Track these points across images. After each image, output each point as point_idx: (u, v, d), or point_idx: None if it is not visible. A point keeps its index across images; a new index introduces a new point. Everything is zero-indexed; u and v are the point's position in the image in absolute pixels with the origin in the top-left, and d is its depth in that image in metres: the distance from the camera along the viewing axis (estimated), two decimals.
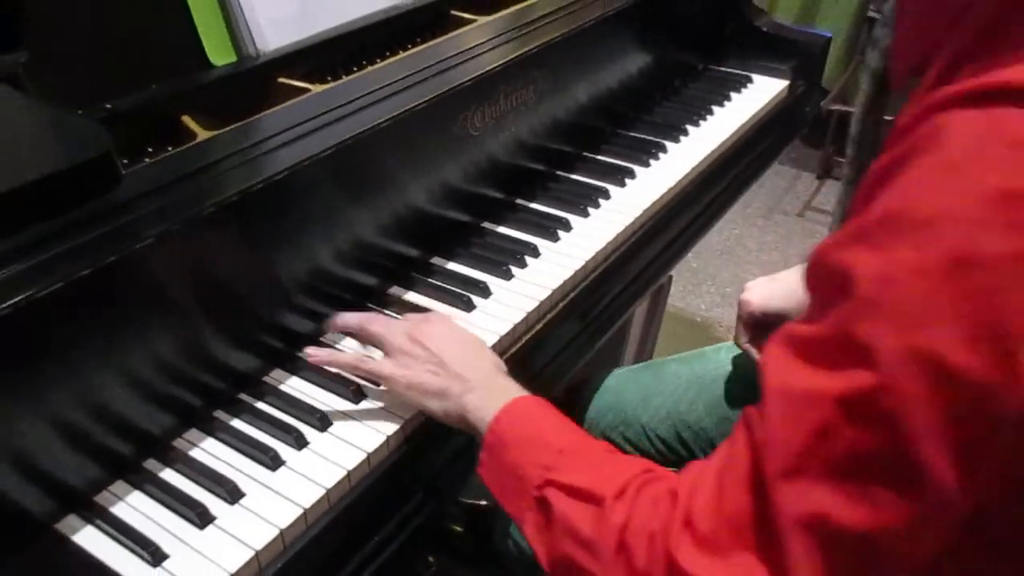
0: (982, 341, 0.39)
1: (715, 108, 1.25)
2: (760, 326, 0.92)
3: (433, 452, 0.73)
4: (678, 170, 1.09)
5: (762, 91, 1.32)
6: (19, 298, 0.54)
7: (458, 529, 1.40)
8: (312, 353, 0.72)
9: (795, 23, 2.32)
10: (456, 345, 0.71)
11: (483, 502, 1.20)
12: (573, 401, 1.08)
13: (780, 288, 0.91)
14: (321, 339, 0.79)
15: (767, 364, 0.48)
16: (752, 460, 0.47)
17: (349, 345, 0.78)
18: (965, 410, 0.40)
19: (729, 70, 1.37)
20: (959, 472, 0.41)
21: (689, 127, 1.19)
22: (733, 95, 1.29)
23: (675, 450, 1.00)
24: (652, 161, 1.11)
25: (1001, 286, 0.38)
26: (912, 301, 0.40)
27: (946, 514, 0.43)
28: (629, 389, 1.05)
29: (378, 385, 0.72)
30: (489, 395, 0.65)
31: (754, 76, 1.35)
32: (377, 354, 0.73)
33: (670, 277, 1.82)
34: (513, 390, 0.66)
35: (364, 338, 0.76)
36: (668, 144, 1.14)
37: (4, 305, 0.53)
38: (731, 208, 1.24)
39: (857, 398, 0.42)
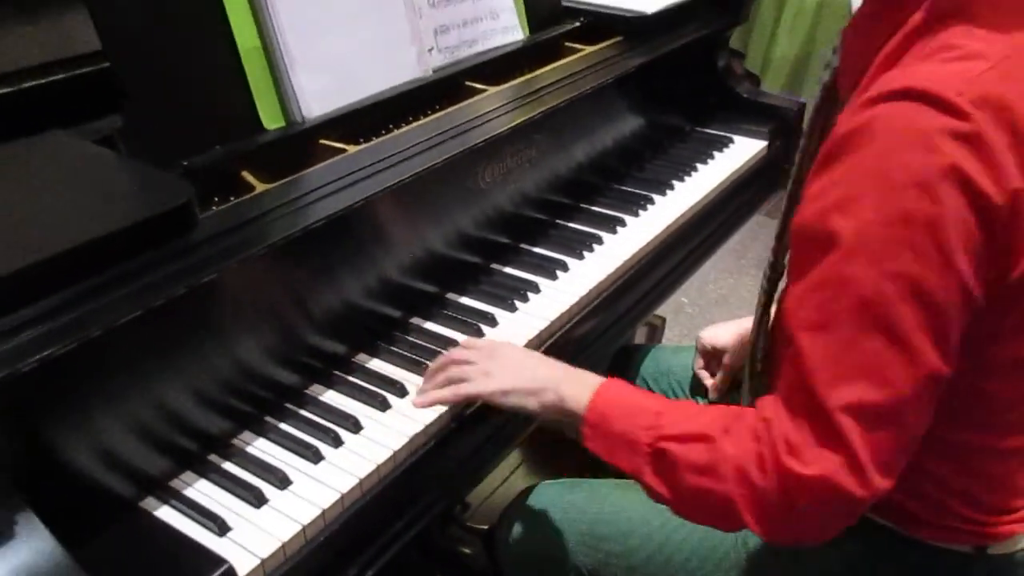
0: (929, 258, 0.59)
1: (699, 165, 1.40)
2: (710, 356, 1.12)
3: (447, 452, 0.86)
4: (664, 220, 1.24)
5: (742, 150, 1.47)
6: (126, 319, 0.68)
7: (467, 551, 1.52)
8: (418, 402, 0.85)
9: (783, 90, 2.49)
10: (523, 354, 0.88)
11: (486, 527, 1.32)
12: None
13: (727, 330, 1.11)
14: (353, 360, 0.93)
15: (788, 314, 0.67)
16: (803, 383, 0.64)
17: (380, 367, 0.92)
18: (929, 305, 0.60)
19: (713, 131, 1.53)
20: (939, 351, 0.61)
21: (675, 182, 1.34)
22: (716, 154, 1.45)
23: None
24: (641, 212, 1.25)
25: (931, 224, 0.59)
26: (880, 243, 0.60)
27: (935, 379, 0.63)
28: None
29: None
30: (578, 384, 0.80)
31: (735, 137, 1.50)
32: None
33: (663, 321, 1.95)
34: (591, 377, 0.81)
35: (457, 399, 0.85)
36: (656, 197, 1.29)
37: (115, 325, 0.67)
38: (723, 255, 1.38)
39: (859, 309, 0.61)
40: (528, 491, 1.07)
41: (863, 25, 0.72)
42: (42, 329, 0.65)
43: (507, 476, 1.49)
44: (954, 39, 0.63)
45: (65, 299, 0.68)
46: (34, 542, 0.61)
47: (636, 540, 0.94)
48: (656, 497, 0.74)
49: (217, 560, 0.67)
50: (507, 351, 0.88)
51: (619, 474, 0.78)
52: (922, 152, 0.59)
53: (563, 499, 1.02)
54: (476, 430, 0.89)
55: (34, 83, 0.90)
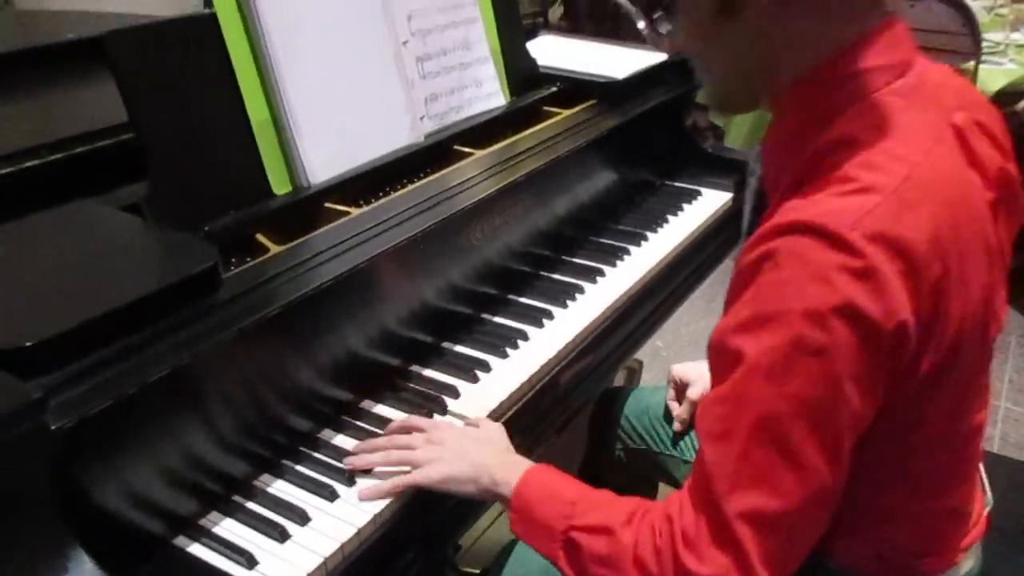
0: (819, 383, 0.65)
1: (670, 217, 1.51)
2: (679, 388, 1.25)
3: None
4: (640, 269, 1.34)
5: (709, 202, 1.58)
6: (158, 375, 0.75)
7: None
8: (364, 494, 0.86)
9: (743, 145, 2.63)
10: (460, 439, 0.90)
11: (477, 571, 1.38)
12: None
13: (696, 366, 1.22)
14: (360, 406, 1.00)
15: (698, 420, 0.72)
16: (705, 486, 0.70)
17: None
18: (819, 425, 0.66)
19: (682, 185, 1.63)
20: (829, 466, 0.67)
21: (649, 233, 1.44)
22: (685, 206, 1.55)
23: None
24: (619, 262, 1.35)
25: (823, 353, 0.64)
26: (777, 366, 0.65)
27: (824, 490, 0.68)
28: None
29: None
30: (508, 469, 0.85)
31: (703, 190, 1.61)
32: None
33: (641, 363, 2.04)
34: (523, 463, 0.86)
35: (391, 463, 0.89)
36: (632, 248, 1.39)
37: (148, 382, 0.74)
38: (695, 300, 1.48)
39: (756, 425, 0.66)
40: (509, 547, 1.13)
41: (776, 147, 0.78)
42: (84, 387, 0.72)
43: (497, 516, 1.55)
44: (852, 170, 0.67)
45: (103, 358, 0.75)
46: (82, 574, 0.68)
47: None
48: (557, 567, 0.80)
49: None
50: (447, 436, 0.90)
51: None
52: (818, 286, 0.64)
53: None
54: None
55: (65, 154, 0.98)
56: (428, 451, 0.88)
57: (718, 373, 0.71)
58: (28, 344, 0.69)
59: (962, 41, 2.50)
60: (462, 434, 0.93)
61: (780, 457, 0.66)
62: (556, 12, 6.01)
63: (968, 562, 0.88)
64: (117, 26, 0.92)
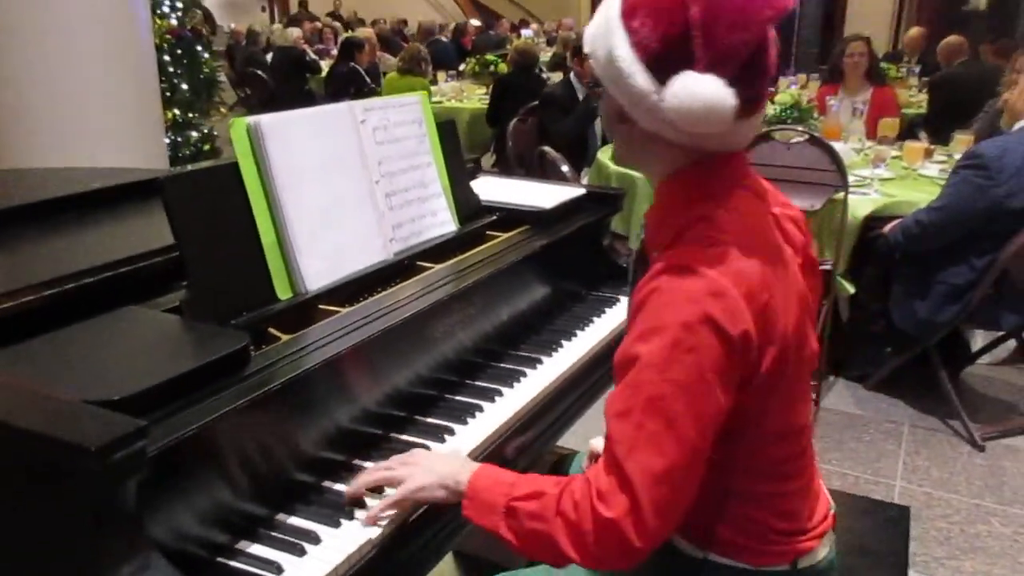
0: (691, 373, 0.93)
1: (594, 319, 1.82)
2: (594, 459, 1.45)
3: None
4: (572, 358, 1.63)
5: (626, 307, 1.90)
6: (187, 430, 0.99)
7: None
8: (367, 516, 1.10)
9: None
10: (427, 456, 1.18)
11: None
12: None
13: None
14: (353, 462, 1.24)
15: (605, 408, 1.00)
16: (611, 453, 0.97)
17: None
18: (691, 404, 0.94)
19: (603, 294, 1.96)
20: (700, 435, 0.95)
21: (578, 331, 1.75)
22: (607, 310, 1.87)
23: None
24: (554, 353, 1.65)
25: (693, 351, 0.93)
26: (662, 360, 0.94)
27: (697, 453, 0.96)
28: None
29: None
30: (464, 471, 1.11)
31: (621, 297, 1.94)
32: None
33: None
34: (473, 464, 1.13)
35: (379, 483, 1.14)
36: (564, 342, 1.69)
37: (189, 428, 0.99)
38: None
39: (646, 403, 0.95)
40: None
41: (656, 221, 1.10)
42: (160, 428, 0.96)
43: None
44: (708, 233, 1.00)
45: (170, 410, 1.00)
46: (162, 571, 0.90)
47: None
48: (509, 546, 1.04)
49: None
50: (418, 458, 1.15)
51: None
52: (688, 305, 0.94)
53: None
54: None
55: (127, 269, 1.25)
56: (403, 470, 1.13)
57: (619, 376, 0.99)
58: (123, 397, 0.94)
59: (831, 176, 2.98)
60: (428, 454, 1.20)
61: (664, 427, 0.94)
62: (488, 160, 6.57)
63: (823, 549, 1.15)
64: (110, 179, 1.21)
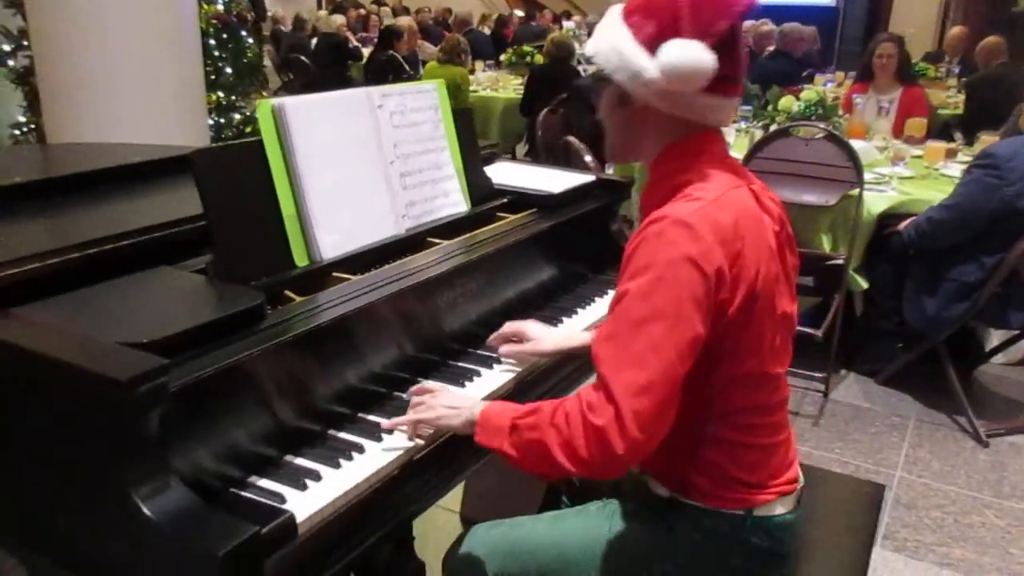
0: (673, 302, 1.07)
1: (596, 299, 1.93)
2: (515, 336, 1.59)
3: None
4: (578, 326, 1.75)
5: None
6: (205, 371, 1.12)
7: None
8: (387, 424, 1.30)
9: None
10: (451, 394, 1.35)
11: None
12: None
13: (538, 328, 1.61)
14: (359, 414, 1.37)
15: (595, 333, 1.15)
16: (599, 372, 1.10)
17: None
18: (672, 327, 1.08)
19: (607, 276, 2.07)
20: (679, 355, 1.07)
21: (579, 309, 1.86)
22: (610, 291, 1.98)
23: None
24: (558, 323, 1.76)
25: (674, 283, 1.07)
26: (647, 292, 1.08)
27: (676, 370, 1.08)
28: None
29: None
30: (479, 408, 1.25)
31: None
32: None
33: None
34: (486, 400, 1.28)
35: (412, 421, 1.31)
36: (564, 319, 1.80)
37: (206, 370, 1.12)
38: None
39: (631, 327, 1.08)
40: (463, 534, 1.49)
41: (649, 191, 1.26)
42: (182, 369, 1.10)
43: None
44: (690, 190, 1.17)
45: (193, 354, 1.13)
46: (179, 492, 1.04)
47: (543, 547, 1.37)
48: (509, 460, 1.19)
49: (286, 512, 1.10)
50: (444, 393, 1.34)
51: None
52: (670, 246, 1.10)
53: (489, 534, 1.44)
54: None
55: (160, 234, 1.39)
56: (430, 401, 1.30)
57: (611, 309, 1.14)
58: (151, 340, 1.08)
59: (847, 172, 3.04)
60: (451, 391, 1.38)
61: (647, 347, 1.08)
62: (521, 149, 6.68)
63: (779, 507, 1.26)
64: (151, 154, 1.35)
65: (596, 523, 1.36)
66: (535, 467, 1.18)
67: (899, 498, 2.61)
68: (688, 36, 1.14)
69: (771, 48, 6.97)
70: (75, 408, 1.06)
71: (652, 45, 1.16)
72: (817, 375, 3.22)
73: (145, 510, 1.00)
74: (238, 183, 1.39)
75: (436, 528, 1.55)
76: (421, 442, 1.31)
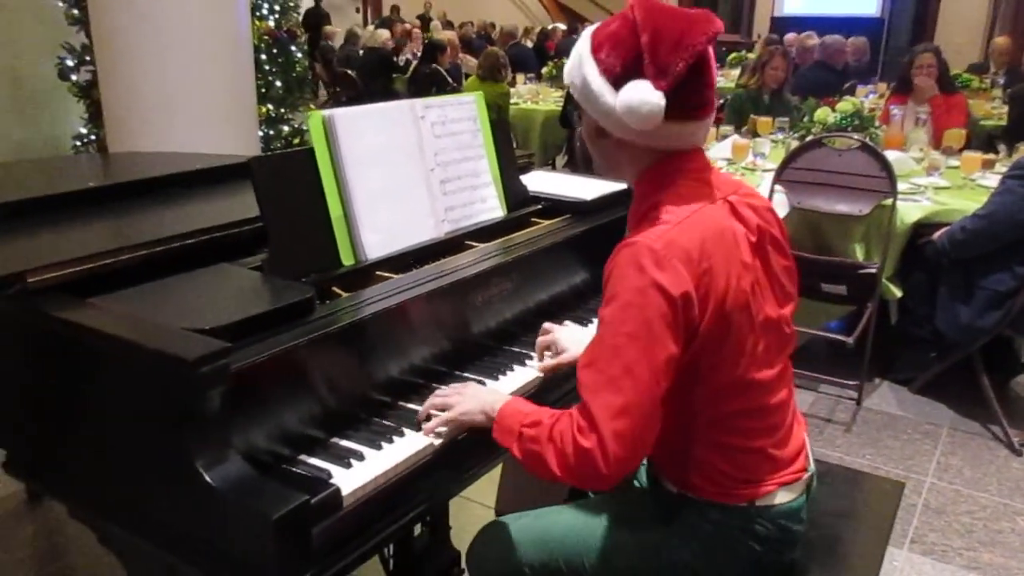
0: (643, 326, 1.15)
1: None
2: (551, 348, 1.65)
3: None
4: None
5: None
6: (261, 356, 1.24)
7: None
8: (425, 427, 1.38)
9: None
10: (474, 389, 1.42)
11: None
12: None
13: (569, 335, 1.65)
14: (399, 402, 1.48)
15: (579, 361, 1.22)
16: (583, 396, 1.18)
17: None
18: (644, 347, 1.15)
19: None
20: (654, 378, 1.14)
21: None
22: None
23: None
24: (588, 323, 1.85)
25: (643, 309, 1.15)
26: (620, 319, 1.16)
27: (653, 393, 1.16)
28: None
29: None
30: (498, 401, 1.35)
31: None
32: None
33: None
34: (505, 396, 1.37)
35: (437, 407, 1.41)
36: (595, 320, 1.89)
37: (261, 355, 1.23)
38: None
39: (608, 353, 1.16)
40: (487, 525, 1.57)
41: (633, 208, 1.33)
42: (239, 353, 1.21)
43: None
44: (660, 212, 1.22)
45: (250, 340, 1.24)
46: (237, 463, 1.15)
47: (566, 537, 1.45)
48: (517, 460, 1.28)
49: (332, 485, 1.20)
50: (467, 390, 1.42)
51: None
52: (638, 273, 1.16)
53: (513, 524, 1.52)
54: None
55: (220, 235, 1.52)
56: (456, 398, 1.39)
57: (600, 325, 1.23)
58: (212, 327, 1.19)
59: (881, 183, 3.08)
60: (476, 387, 1.45)
61: (622, 372, 1.15)
62: (560, 161, 6.78)
63: (782, 496, 1.33)
64: (208, 162, 1.47)
65: (617, 514, 1.45)
66: (537, 472, 1.26)
67: (928, 503, 2.64)
68: (650, 75, 1.19)
69: (815, 58, 6.99)
70: (147, 386, 1.18)
71: (616, 83, 1.22)
72: (850, 383, 3.26)
73: (207, 478, 1.11)
74: (291, 188, 1.51)
75: (472, 521, 1.65)
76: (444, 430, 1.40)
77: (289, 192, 1.51)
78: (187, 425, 1.14)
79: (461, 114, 1.88)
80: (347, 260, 1.58)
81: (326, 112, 1.58)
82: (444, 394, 1.42)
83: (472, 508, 2.37)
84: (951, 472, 2.83)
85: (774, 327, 1.30)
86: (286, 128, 5.54)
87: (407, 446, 1.35)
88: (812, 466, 1.41)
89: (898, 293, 3.24)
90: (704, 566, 1.34)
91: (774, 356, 1.31)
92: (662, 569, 1.36)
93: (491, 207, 1.93)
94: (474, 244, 1.81)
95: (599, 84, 1.23)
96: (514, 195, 2.01)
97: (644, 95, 1.18)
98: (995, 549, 2.41)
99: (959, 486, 2.74)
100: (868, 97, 6.19)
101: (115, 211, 1.77)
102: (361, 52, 9.39)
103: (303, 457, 1.30)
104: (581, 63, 1.27)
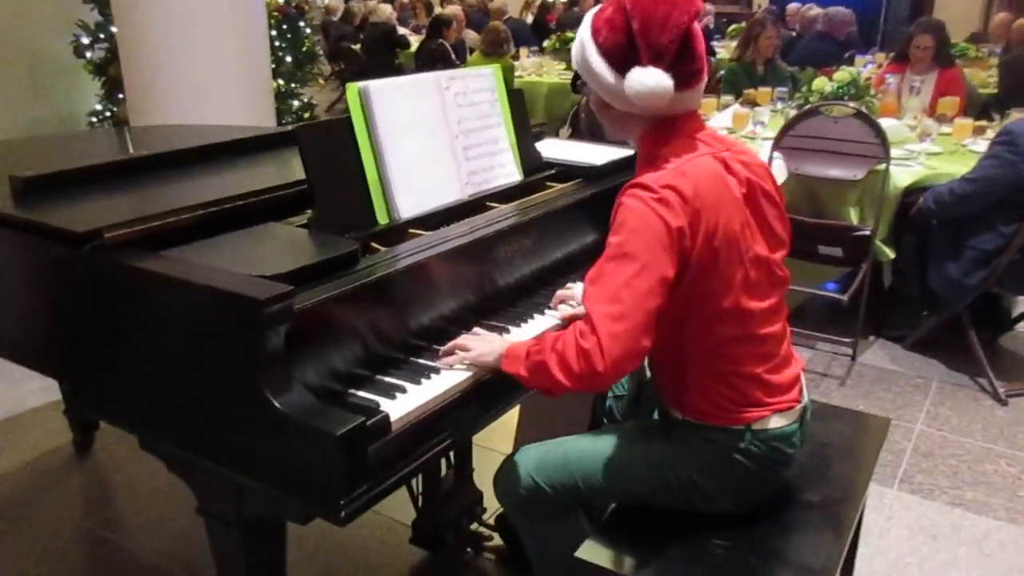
0: (646, 250, 1.34)
1: None
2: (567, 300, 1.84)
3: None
4: None
5: None
6: (317, 299, 1.40)
7: (489, 532, 2.18)
8: (443, 362, 1.56)
9: None
10: (489, 335, 1.59)
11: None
12: None
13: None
14: (433, 344, 1.64)
15: (586, 278, 1.40)
16: (587, 307, 1.36)
17: None
18: (644, 269, 1.34)
19: None
20: (650, 293, 1.33)
21: None
22: None
23: None
24: None
25: (644, 233, 1.35)
26: (625, 243, 1.35)
27: (650, 304, 1.34)
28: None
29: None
30: (505, 344, 1.52)
31: None
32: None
33: None
34: (513, 339, 1.54)
35: (458, 361, 1.57)
36: None
37: (318, 298, 1.39)
38: None
39: (610, 269, 1.35)
40: (511, 454, 1.75)
41: (639, 162, 1.50)
42: (298, 298, 1.37)
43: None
44: (658, 163, 1.41)
45: (303, 288, 1.41)
46: (300, 392, 1.32)
47: (587, 457, 1.63)
48: (523, 380, 1.46)
49: (382, 412, 1.37)
50: (483, 335, 1.60)
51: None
52: (640, 205, 1.35)
53: (536, 450, 1.70)
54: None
55: (268, 197, 1.68)
56: (470, 342, 1.56)
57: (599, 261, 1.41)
58: (273, 274, 1.35)
59: (874, 148, 3.23)
60: (491, 335, 1.62)
61: (621, 285, 1.33)
62: (564, 134, 6.92)
63: (776, 420, 1.50)
64: (228, 134, 1.62)
65: (631, 437, 1.62)
66: (539, 383, 1.44)
67: (917, 447, 2.82)
68: (646, 58, 1.36)
69: (817, 29, 7.09)
70: (220, 326, 1.34)
71: (619, 68, 1.40)
72: (845, 340, 3.42)
73: (277, 404, 1.28)
74: (332, 153, 1.67)
75: (492, 467, 1.82)
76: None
77: (331, 157, 1.66)
78: (255, 359, 1.30)
79: (481, 85, 2.03)
80: (383, 219, 1.74)
81: (362, 84, 1.73)
82: (463, 338, 1.60)
83: (493, 456, 2.55)
84: (939, 420, 3.00)
85: (764, 264, 1.47)
86: (296, 103, 5.67)
87: (444, 381, 1.51)
88: (806, 399, 1.57)
89: (891, 254, 3.40)
90: (706, 479, 1.52)
91: (766, 290, 1.48)
92: (670, 483, 1.54)
93: (509, 172, 2.08)
94: (494, 205, 1.96)
95: (601, 67, 1.43)
96: (529, 161, 2.16)
97: (653, 78, 1.36)
98: (978, 488, 2.59)
99: (946, 432, 2.92)
100: (866, 67, 6.30)
101: (163, 178, 1.93)
102: (358, 27, 9.44)
103: (353, 391, 1.47)
104: (584, 47, 1.46)
